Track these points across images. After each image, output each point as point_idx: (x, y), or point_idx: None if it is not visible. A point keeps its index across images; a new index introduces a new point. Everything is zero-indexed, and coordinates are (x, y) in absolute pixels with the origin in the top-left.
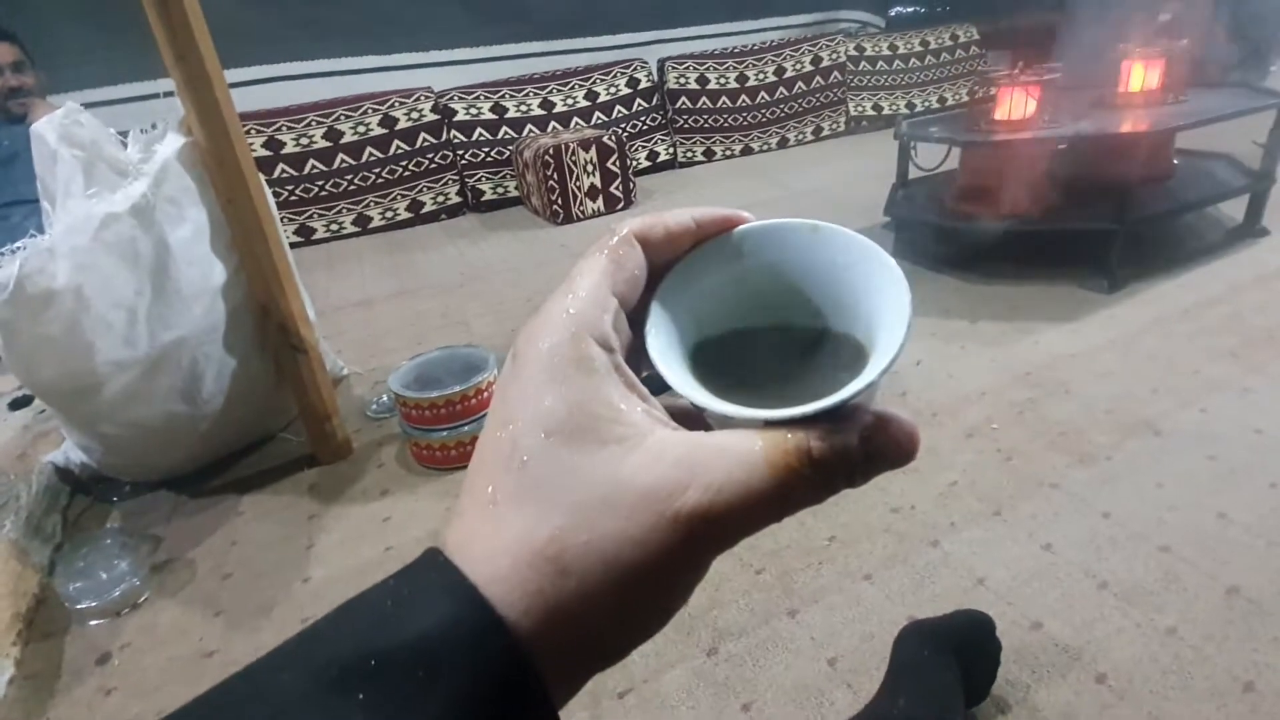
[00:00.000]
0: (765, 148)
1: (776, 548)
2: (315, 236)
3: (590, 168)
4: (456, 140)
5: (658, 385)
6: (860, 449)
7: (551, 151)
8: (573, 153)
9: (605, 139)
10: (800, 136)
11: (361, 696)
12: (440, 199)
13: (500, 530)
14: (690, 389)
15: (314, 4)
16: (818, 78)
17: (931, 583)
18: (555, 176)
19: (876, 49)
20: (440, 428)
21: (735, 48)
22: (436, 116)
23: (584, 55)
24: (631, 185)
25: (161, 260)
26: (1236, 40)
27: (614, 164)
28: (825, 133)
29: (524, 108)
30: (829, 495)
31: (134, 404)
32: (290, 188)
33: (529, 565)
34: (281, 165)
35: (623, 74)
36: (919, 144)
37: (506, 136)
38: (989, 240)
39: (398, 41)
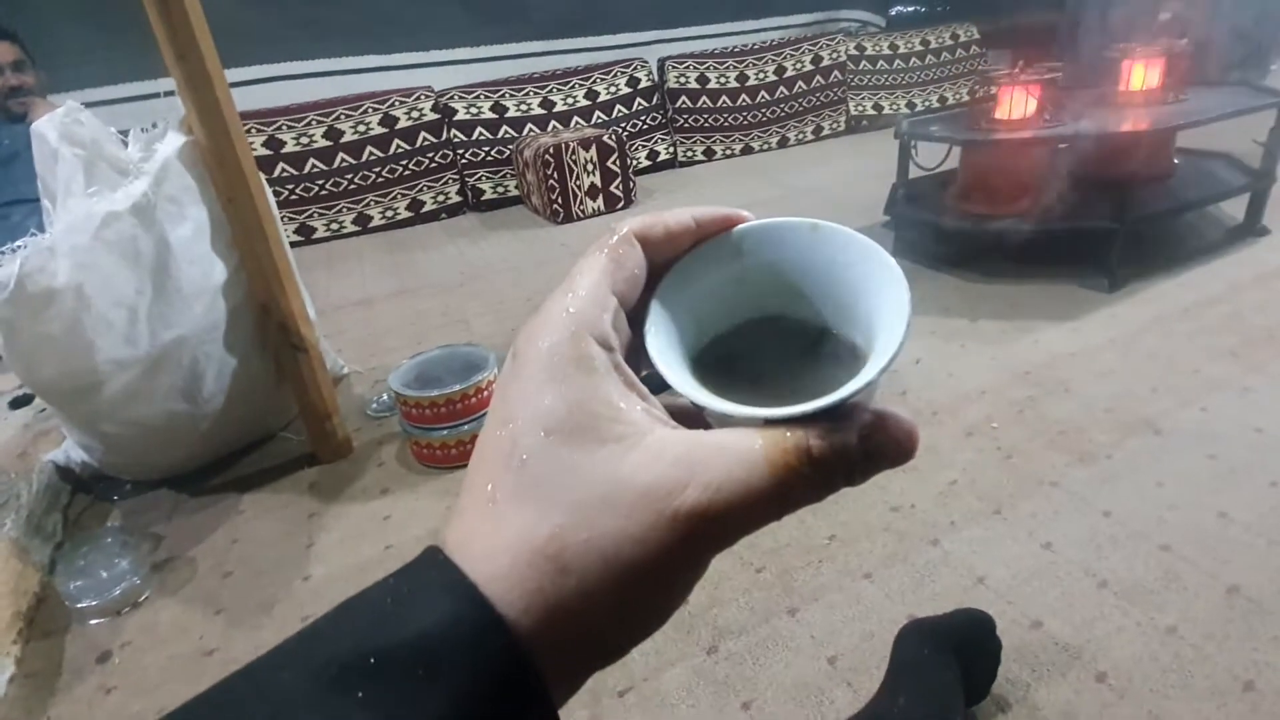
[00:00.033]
0: (765, 147)
1: (776, 546)
2: (315, 235)
3: (590, 167)
4: (457, 139)
5: (657, 384)
6: (859, 447)
7: (552, 151)
8: (573, 152)
9: (605, 138)
10: (800, 136)
11: (361, 695)
12: (440, 198)
13: (500, 529)
14: (690, 388)
15: (314, 4)
16: (818, 77)
17: (931, 581)
18: (555, 176)
19: (877, 48)
20: (440, 426)
21: (735, 47)
22: (437, 116)
23: (584, 55)
24: (632, 184)
25: (162, 259)
26: (1237, 39)
27: (614, 163)
28: (825, 132)
29: (524, 107)
30: (828, 494)
31: (135, 403)
32: (290, 187)
33: (529, 564)
34: (282, 164)
35: (623, 73)
36: (919, 143)
37: (507, 136)
38: (989, 239)
39: (398, 41)
